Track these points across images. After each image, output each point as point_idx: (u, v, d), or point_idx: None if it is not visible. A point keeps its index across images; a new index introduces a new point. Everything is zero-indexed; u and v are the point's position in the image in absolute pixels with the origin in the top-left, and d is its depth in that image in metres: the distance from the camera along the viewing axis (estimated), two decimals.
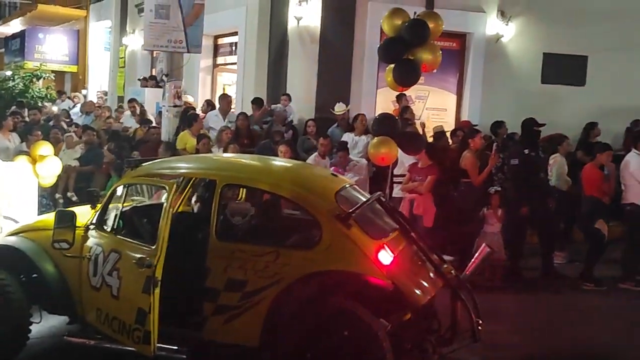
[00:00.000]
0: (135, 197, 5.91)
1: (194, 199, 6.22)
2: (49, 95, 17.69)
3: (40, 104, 15.70)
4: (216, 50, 14.45)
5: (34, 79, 18.02)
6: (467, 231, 8.04)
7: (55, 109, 15.75)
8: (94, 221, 5.22)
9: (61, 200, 10.13)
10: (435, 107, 12.02)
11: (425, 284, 4.71)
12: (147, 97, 13.47)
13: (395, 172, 8.60)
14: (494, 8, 11.77)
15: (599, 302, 7.52)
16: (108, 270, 4.90)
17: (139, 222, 5.32)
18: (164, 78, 10.41)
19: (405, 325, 4.49)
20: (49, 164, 7.24)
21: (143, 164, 5.48)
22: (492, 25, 11.79)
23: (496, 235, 7.97)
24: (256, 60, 12.04)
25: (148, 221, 5.28)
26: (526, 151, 8.19)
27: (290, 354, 4.48)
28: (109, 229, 5.14)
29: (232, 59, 13.72)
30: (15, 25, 24.04)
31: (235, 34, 13.16)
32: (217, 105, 11.42)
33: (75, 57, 22.27)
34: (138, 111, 12.61)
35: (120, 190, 5.32)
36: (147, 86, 14.23)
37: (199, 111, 11.73)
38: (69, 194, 10.35)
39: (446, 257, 5.55)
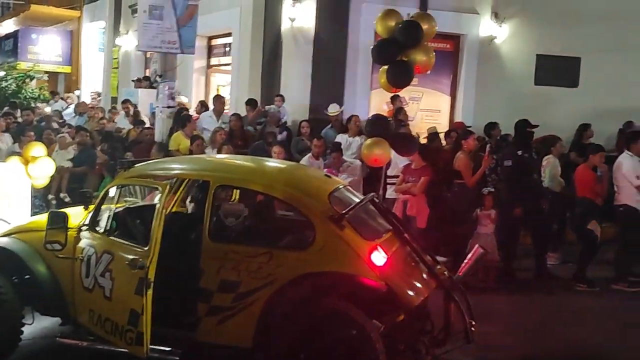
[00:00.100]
0: (128, 198, 5.90)
1: (187, 200, 6.21)
2: (42, 96, 17.65)
3: (33, 105, 15.65)
4: (210, 51, 14.44)
5: (27, 80, 17.98)
6: (461, 232, 8.04)
7: (48, 109, 15.70)
8: (86, 222, 5.20)
9: (54, 202, 10.10)
10: (429, 108, 12.05)
11: (419, 285, 4.71)
12: (140, 98, 13.45)
13: (389, 173, 8.61)
14: (487, 9, 11.81)
15: (591, 303, 7.53)
16: (101, 272, 4.89)
17: (131, 223, 5.31)
18: (158, 79, 10.41)
19: (399, 326, 4.50)
20: (42, 165, 7.21)
21: (136, 165, 5.47)
22: (486, 26, 11.82)
23: (490, 236, 7.98)
24: (250, 61, 12.04)
25: (141, 222, 5.27)
26: (519, 152, 8.20)
27: (284, 355, 4.47)
28: (101, 230, 5.13)
29: (226, 59, 13.71)
30: (8, 26, 23.95)
31: (229, 34, 13.15)
32: (211, 106, 11.40)
33: (69, 57, 22.21)
34: (131, 112, 12.58)
35: (113, 191, 5.31)
36: (140, 87, 14.21)
37: (192, 112, 11.71)
38: (61, 195, 10.32)
39: (440, 258, 5.56)
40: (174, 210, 5.88)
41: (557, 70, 12.05)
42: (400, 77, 7.52)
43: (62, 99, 18.01)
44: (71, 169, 10.59)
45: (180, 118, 10.21)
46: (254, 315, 4.55)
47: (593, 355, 6.03)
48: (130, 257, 4.67)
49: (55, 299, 5.18)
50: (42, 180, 7.46)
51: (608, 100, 11.72)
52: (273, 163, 6.37)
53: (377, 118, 8.08)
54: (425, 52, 7.54)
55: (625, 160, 8.14)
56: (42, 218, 5.46)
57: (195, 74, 14.20)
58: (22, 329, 5.25)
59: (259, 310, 4.54)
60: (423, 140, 9.76)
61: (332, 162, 8.62)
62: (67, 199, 10.04)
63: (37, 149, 7.34)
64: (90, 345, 4.96)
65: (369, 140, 7.59)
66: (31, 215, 6.76)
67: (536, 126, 8.39)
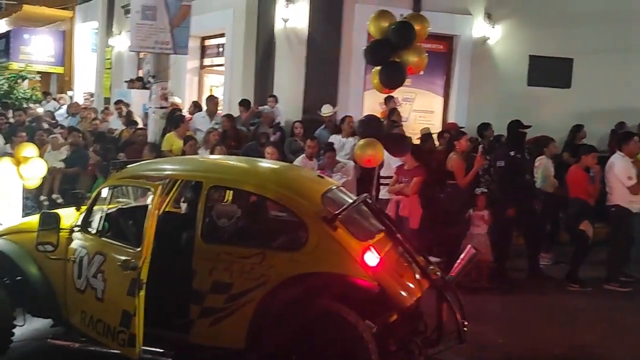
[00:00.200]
0: (120, 199, 5.88)
1: (180, 200, 6.20)
2: (34, 97, 17.59)
3: (25, 105, 15.60)
4: (203, 51, 14.42)
5: (19, 80, 17.92)
6: (453, 233, 8.06)
7: (40, 110, 15.65)
8: (78, 223, 5.19)
9: (46, 202, 10.08)
10: (422, 109, 12.07)
11: (411, 285, 4.71)
12: (133, 98, 13.43)
13: (382, 173, 8.61)
14: (480, 11, 11.83)
15: (584, 303, 7.55)
16: (93, 273, 4.88)
17: (124, 224, 5.29)
18: (151, 79, 10.38)
19: (391, 327, 4.50)
20: (34, 166, 7.19)
21: (128, 166, 5.45)
22: (479, 27, 11.85)
23: (483, 236, 7.99)
24: (243, 61, 12.03)
25: (133, 223, 5.24)
26: (512, 153, 8.22)
27: (277, 356, 4.47)
28: (94, 231, 5.12)
29: (219, 60, 13.69)
30: (0, 26, 23.86)
31: (222, 35, 13.14)
32: (204, 107, 11.39)
33: (61, 58, 22.13)
34: (124, 113, 12.54)
35: (105, 192, 5.30)
36: (134, 87, 14.18)
37: (185, 113, 11.69)
38: (54, 196, 10.29)
39: (433, 259, 5.56)
40: (166, 211, 5.86)
41: (549, 71, 12.09)
42: (392, 78, 7.52)
43: (54, 99, 17.95)
44: (63, 170, 10.56)
45: (173, 119, 10.19)
46: (247, 316, 4.54)
47: (585, 355, 6.04)
48: (123, 258, 4.65)
49: (47, 300, 5.17)
50: (34, 181, 7.44)
51: (600, 101, 11.77)
52: (266, 164, 6.36)
53: (369, 119, 8.09)
54: (417, 53, 7.54)
55: (617, 161, 8.17)
56: (34, 219, 5.43)
57: (188, 75, 14.18)
58: (14, 330, 5.23)
59: (251, 312, 4.54)
60: (416, 141, 9.75)
61: (326, 162, 8.63)
62: (60, 200, 10.02)
63: (28, 150, 7.31)
64: (82, 347, 4.94)
65: (361, 141, 7.60)
66: (23, 216, 6.73)
67: (528, 127, 8.42)
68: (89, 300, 4.89)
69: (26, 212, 7.58)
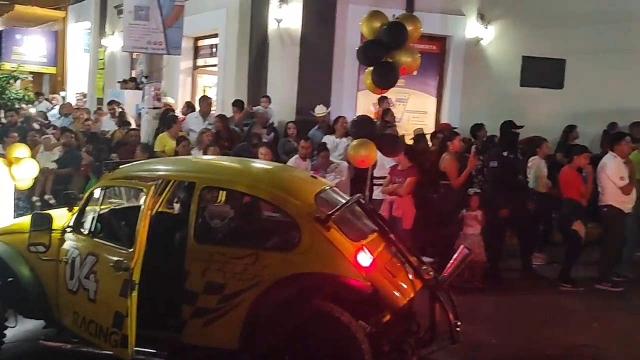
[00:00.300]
0: (113, 200, 5.86)
1: (173, 201, 6.18)
2: (26, 97, 17.52)
3: (17, 106, 15.53)
4: (196, 52, 14.41)
5: (11, 80, 17.84)
6: (447, 233, 8.07)
7: (33, 110, 15.60)
8: (71, 224, 5.17)
9: (38, 203, 10.05)
10: (416, 109, 12.09)
11: (404, 285, 4.71)
12: (127, 99, 13.40)
13: (376, 174, 8.62)
14: (473, 11, 11.86)
15: (576, 303, 7.58)
16: (85, 274, 4.87)
17: (116, 224, 5.27)
18: (144, 80, 10.35)
19: (384, 327, 4.50)
20: (25, 167, 7.14)
21: (121, 166, 5.43)
22: (472, 28, 11.88)
23: (476, 236, 8.01)
24: (236, 62, 12.02)
25: (126, 224, 5.23)
26: (505, 153, 8.24)
27: (270, 357, 4.46)
28: (86, 232, 5.10)
29: (213, 60, 13.68)
30: None
31: (215, 35, 13.13)
32: (197, 107, 11.37)
33: (54, 58, 22.08)
34: (117, 113, 12.51)
35: (97, 192, 5.28)
36: (127, 88, 14.15)
37: (178, 113, 11.67)
38: (46, 197, 10.26)
39: (426, 259, 5.57)
40: (159, 211, 5.85)
41: (542, 72, 12.13)
42: (385, 78, 7.52)
43: (46, 99, 17.90)
44: (56, 171, 10.52)
45: (166, 119, 10.17)
46: (240, 316, 4.54)
47: (577, 355, 6.07)
48: (115, 258, 4.64)
49: (39, 301, 5.15)
50: (26, 182, 7.39)
51: (593, 102, 11.82)
52: (259, 164, 6.36)
53: (362, 119, 8.10)
54: (410, 53, 7.55)
55: (609, 162, 8.20)
56: (26, 220, 5.41)
57: (181, 75, 14.17)
58: (5, 331, 5.20)
59: (244, 312, 4.53)
60: (409, 142, 9.77)
61: (320, 161, 8.63)
62: (52, 201, 9.98)
63: (20, 150, 7.26)
64: (74, 348, 4.93)
65: (354, 142, 7.60)
66: (15, 217, 6.69)
67: (521, 127, 8.44)
68: (81, 301, 4.88)
69: (18, 213, 7.53)
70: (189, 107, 11.98)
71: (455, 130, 9.62)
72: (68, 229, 5.15)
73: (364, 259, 4.50)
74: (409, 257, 4.90)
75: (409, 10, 10.70)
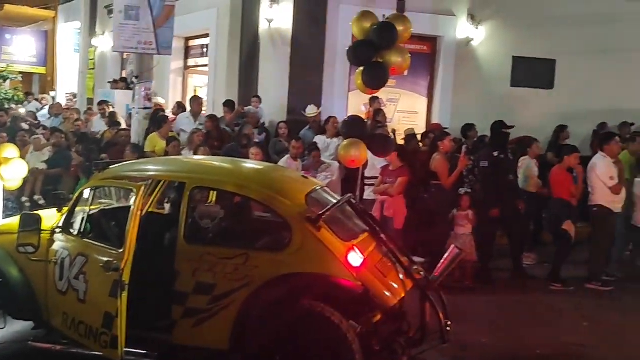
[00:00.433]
0: (103, 200, 5.84)
1: (163, 201, 6.16)
2: (16, 97, 17.42)
3: (7, 106, 15.44)
4: (187, 52, 14.38)
5: (1, 81, 17.73)
6: (438, 233, 8.08)
7: (22, 110, 15.52)
8: (60, 224, 5.15)
9: (28, 204, 9.99)
10: (407, 110, 12.09)
11: (395, 285, 4.71)
12: (117, 99, 13.35)
13: (367, 174, 8.62)
14: (464, 12, 11.89)
15: (566, 303, 7.61)
16: (75, 274, 4.85)
17: (106, 225, 5.26)
18: (134, 80, 10.31)
19: (375, 327, 4.51)
20: (14, 167, 7.09)
21: (111, 167, 5.41)
22: (463, 28, 11.90)
23: (467, 236, 8.03)
24: (227, 62, 12.00)
25: (116, 224, 5.22)
26: (495, 153, 8.26)
27: (260, 357, 4.46)
28: (75, 232, 5.07)
29: (204, 60, 13.65)
30: None
31: (206, 35, 13.10)
32: (188, 108, 11.34)
33: (44, 58, 21.97)
34: (107, 113, 12.46)
35: (87, 193, 5.26)
36: (117, 88, 14.09)
37: (169, 113, 11.64)
38: (35, 197, 10.21)
39: (417, 259, 5.58)
40: (149, 211, 5.83)
41: (532, 72, 12.19)
42: (375, 78, 7.53)
43: (36, 99, 17.80)
44: (46, 171, 10.46)
45: (156, 119, 10.13)
46: (231, 317, 4.53)
47: (568, 353, 6.09)
48: (105, 259, 4.63)
49: (28, 302, 5.13)
50: (15, 183, 7.34)
51: (583, 102, 11.90)
52: (250, 164, 6.35)
53: (353, 119, 8.10)
54: (400, 53, 7.56)
55: (599, 162, 8.24)
56: (15, 220, 5.37)
57: (172, 75, 14.13)
58: None
59: (235, 312, 4.52)
60: (400, 142, 9.78)
61: (311, 161, 8.63)
62: (42, 202, 9.93)
63: (9, 151, 7.22)
64: (63, 349, 4.91)
65: (345, 142, 7.61)
66: (3, 218, 6.66)
67: (512, 127, 8.46)
68: (70, 302, 4.86)
69: (7, 213, 7.49)
70: (179, 107, 11.95)
71: (446, 130, 9.64)
72: (57, 230, 5.13)
73: (355, 259, 4.50)
74: (400, 257, 4.90)
75: (400, 10, 10.70)
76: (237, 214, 5.72)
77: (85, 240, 4.97)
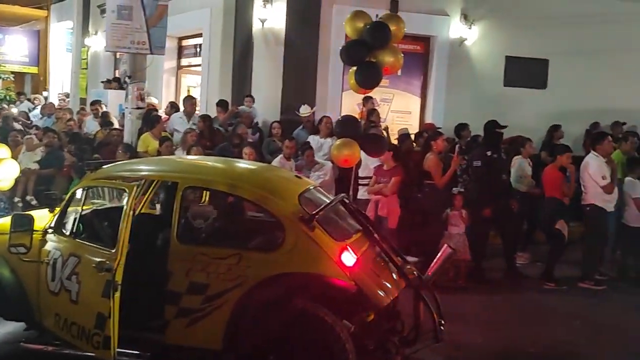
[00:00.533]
0: (95, 200, 5.81)
1: (155, 201, 6.14)
2: (8, 97, 17.35)
3: None
4: (180, 51, 14.33)
5: None
6: (431, 232, 8.09)
7: (15, 110, 15.45)
8: (52, 225, 5.12)
9: (20, 204, 9.95)
10: (400, 109, 12.10)
11: (388, 284, 4.72)
12: (110, 99, 13.31)
13: (360, 174, 8.62)
14: (457, 11, 11.90)
15: (560, 302, 7.64)
16: (67, 275, 4.82)
17: (99, 225, 5.23)
18: (127, 80, 10.27)
19: (369, 326, 4.51)
20: (6, 167, 7.08)
21: (104, 167, 5.39)
22: (456, 28, 11.92)
23: (461, 236, 8.04)
24: (221, 62, 11.97)
25: (108, 224, 5.19)
26: (488, 153, 8.28)
27: (254, 357, 4.45)
28: (68, 233, 5.05)
29: (197, 60, 13.62)
30: None
31: (199, 35, 13.06)
32: (182, 108, 11.31)
33: (36, 58, 21.87)
34: (100, 113, 12.42)
35: (79, 193, 5.23)
36: (110, 88, 14.04)
37: (162, 113, 11.60)
38: (28, 198, 10.16)
39: (410, 258, 5.58)
40: (142, 212, 5.81)
41: (525, 72, 12.22)
42: (368, 78, 7.53)
43: (28, 99, 17.73)
44: (38, 171, 10.42)
45: (149, 119, 10.10)
46: (224, 317, 4.52)
47: (561, 352, 6.11)
48: (97, 259, 4.60)
49: (20, 303, 5.09)
50: (6, 183, 7.33)
51: (575, 102, 11.95)
52: (243, 164, 6.34)
53: (347, 119, 8.10)
54: (393, 53, 7.56)
55: (591, 161, 8.27)
56: (6, 221, 5.34)
57: (165, 75, 14.09)
58: None
59: (228, 312, 4.51)
60: (394, 141, 9.79)
61: (305, 160, 8.62)
62: (34, 202, 9.88)
63: (1, 151, 7.20)
64: (56, 350, 4.88)
65: (338, 141, 7.61)
66: None
67: (505, 127, 8.48)
68: (63, 302, 4.83)
69: None
70: (172, 107, 11.91)
71: (439, 130, 9.65)
72: (49, 230, 5.10)
73: (348, 258, 4.49)
74: (393, 257, 4.91)
75: (393, 10, 10.71)
76: (230, 214, 5.70)
77: (77, 240, 4.94)
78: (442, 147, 8.60)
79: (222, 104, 10.89)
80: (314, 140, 9.51)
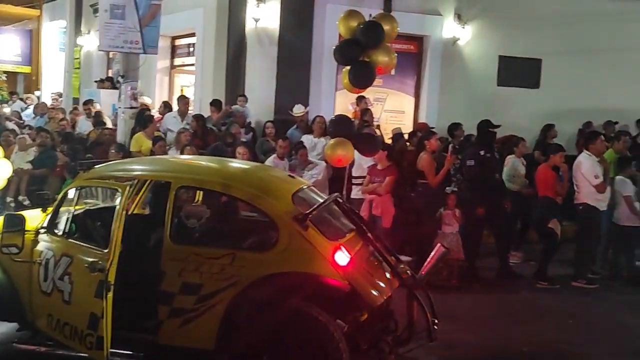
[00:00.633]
0: (88, 200, 5.79)
1: (148, 201, 6.12)
2: (0, 97, 17.28)
3: None
4: (173, 51, 14.30)
5: None
6: (425, 232, 8.10)
7: (7, 110, 15.38)
8: (44, 225, 5.10)
9: (12, 204, 9.90)
10: (394, 109, 12.12)
11: (382, 284, 4.72)
12: (103, 98, 13.26)
13: (354, 173, 8.62)
14: (450, 11, 11.93)
15: (552, 300, 7.66)
16: (59, 275, 4.81)
17: (91, 225, 5.21)
18: (120, 79, 10.24)
19: (362, 326, 4.52)
20: None
21: (96, 166, 5.37)
22: (449, 28, 11.94)
23: (454, 235, 8.05)
24: (214, 61, 11.95)
25: (101, 224, 5.17)
26: (482, 152, 8.29)
27: (247, 356, 4.44)
28: (60, 233, 5.03)
29: (190, 60, 13.59)
30: None
31: (192, 35, 13.04)
32: (175, 107, 11.29)
33: (28, 57, 21.79)
34: (93, 113, 12.38)
35: (72, 193, 5.21)
36: (103, 87, 14.00)
37: (155, 112, 11.57)
38: (20, 198, 10.11)
39: (404, 258, 5.58)
40: (134, 212, 5.79)
41: (519, 72, 12.26)
42: (362, 77, 7.53)
43: (20, 99, 17.65)
44: (31, 171, 10.37)
45: (142, 118, 10.07)
46: (217, 317, 4.51)
47: (553, 351, 6.13)
48: (90, 259, 4.60)
49: (12, 303, 5.07)
50: None
51: (568, 101, 12.00)
52: (236, 164, 6.32)
53: (340, 118, 8.10)
54: (386, 52, 7.57)
55: (584, 160, 8.29)
56: None
57: (158, 75, 14.04)
58: None
59: (222, 312, 4.50)
60: (387, 141, 9.79)
61: (298, 160, 8.62)
62: (26, 202, 9.84)
63: None
64: (48, 351, 4.87)
65: (332, 141, 7.61)
66: None
67: (498, 126, 8.50)
68: (55, 303, 4.82)
69: None
70: (166, 106, 11.89)
71: (433, 129, 9.67)
72: (42, 230, 5.08)
73: (342, 258, 4.49)
74: (387, 256, 4.91)
75: (387, 9, 10.72)
76: (224, 214, 5.69)
77: (70, 240, 4.93)
78: (435, 147, 8.61)
79: (215, 104, 10.87)
80: (307, 139, 9.50)
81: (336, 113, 10.54)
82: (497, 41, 12.11)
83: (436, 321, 4.78)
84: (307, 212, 4.59)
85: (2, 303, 5.09)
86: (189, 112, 11.17)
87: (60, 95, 18.43)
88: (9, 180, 8.02)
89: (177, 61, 14.33)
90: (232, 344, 4.48)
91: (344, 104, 11.22)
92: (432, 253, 5.16)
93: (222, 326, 4.50)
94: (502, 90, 12.14)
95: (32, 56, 21.75)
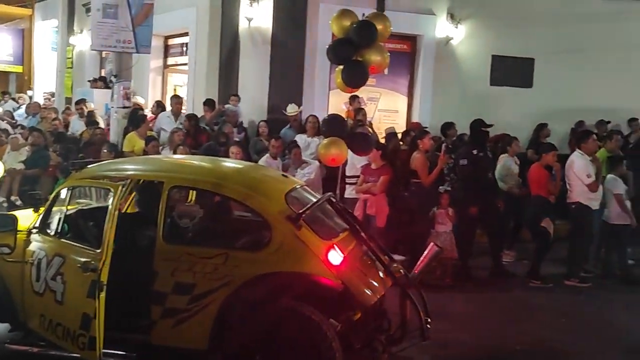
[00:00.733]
0: (81, 200, 5.78)
1: (141, 201, 6.10)
2: None
3: None
4: (166, 50, 14.25)
5: None
6: (418, 231, 8.12)
7: None
8: (37, 225, 5.08)
9: (5, 204, 9.86)
10: (387, 109, 12.12)
11: (375, 283, 4.72)
12: (96, 98, 13.21)
13: (348, 173, 8.62)
14: (443, 11, 11.93)
15: (545, 299, 7.68)
16: (52, 275, 4.80)
17: (84, 225, 5.20)
18: (113, 79, 10.21)
19: (355, 325, 4.52)
20: None
21: (89, 166, 5.36)
22: (442, 27, 11.95)
23: (448, 234, 8.07)
24: (207, 61, 11.92)
25: (94, 224, 5.16)
26: (474, 151, 8.31)
27: (240, 356, 4.44)
28: (52, 233, 5.02)
29: (183, 59, 13.54)
30: None
31: (185, 34, 13.00)
32: (168, 107, 11.26)
33: (21, 57, 21.69)
34: (86, 113, 12.33)
35: (64, 192, 5.20)
36: (96, 87, 13.95)
37: (148, 112, 11.54)
38: (12, 198, 10.07)
39: (397, 257, 5.59)
40: (127, 211, 5.77)
41: (511, 71, 12.28)
42: (355, 77, 7.53)
43: (12, 99, 17.57)
44: (23, 171, 10.33)
45: (135, 118, 10.05)
46: (210, 316, 4.50)
47: (546, 349, 6.15)
48: (82, 259, 4.59)
49: (4, 304, 5.07)
50: None
51: (561, 101, 12.03)
52: (229, 163, 6.32)
53: (333, 118, 8.10)
54: (379, 52, 7.57)
55: (576, 159, 8.32)
56: None
57: (151, 74, 14.00)
58: None
59: (215, 312, 4.50)
60: (381, 140, 9.80)
61: (292, 159, 8.61)
62: (19, 202, 9.80)
63: None
64: (41, 351, 4.87)
65: (325, 140, 7.61)
66: None
67: (490, 126, 8.52)
68: (48, 303, 4.81)
69: None
70: (159, 106, 11.86)
71: (426, 129, 9.68)
72: (34, 230, 5.07)
73: (335, 257, 4.49)
74: (380, 255, 4.92)
75: (380, 9, 10.71)
76: (217, 213, 5.68)
77: (62, 240, 4.92)
78: (428, 146, 8.62)
79: (209, 103, 10.85)
80: (301, 139, 9.50)
81: (329, 112, 10.54)
82: (490, 41, 12.12)
83: (429, 320, 4.79)
84: (301, 211, 4.60)
85: None
86: (182, 111, 11.14)
87: (52, 94, 18.36)
88: (1, 181, 7.99)
89: (170, 61, 14.29)
90: (225, 343, 4.47)
91: (338, 103, 11.21)
92: (426, 252, 5.16)
93: (215, 326, 4.50)
94: (495, 90, 12.16)
95: (24, 55, 21.65)
